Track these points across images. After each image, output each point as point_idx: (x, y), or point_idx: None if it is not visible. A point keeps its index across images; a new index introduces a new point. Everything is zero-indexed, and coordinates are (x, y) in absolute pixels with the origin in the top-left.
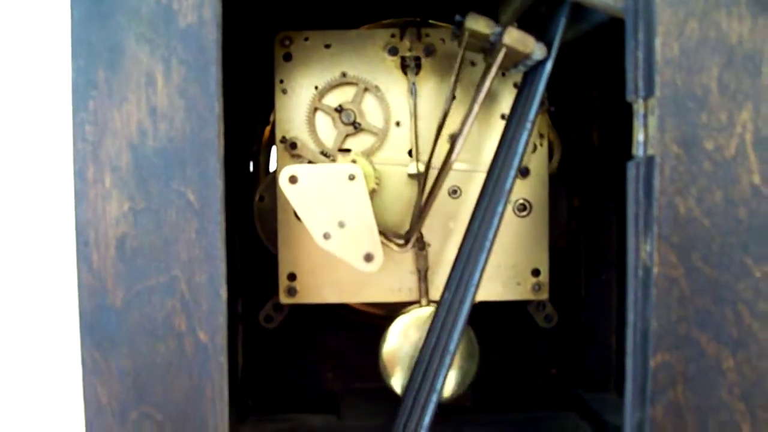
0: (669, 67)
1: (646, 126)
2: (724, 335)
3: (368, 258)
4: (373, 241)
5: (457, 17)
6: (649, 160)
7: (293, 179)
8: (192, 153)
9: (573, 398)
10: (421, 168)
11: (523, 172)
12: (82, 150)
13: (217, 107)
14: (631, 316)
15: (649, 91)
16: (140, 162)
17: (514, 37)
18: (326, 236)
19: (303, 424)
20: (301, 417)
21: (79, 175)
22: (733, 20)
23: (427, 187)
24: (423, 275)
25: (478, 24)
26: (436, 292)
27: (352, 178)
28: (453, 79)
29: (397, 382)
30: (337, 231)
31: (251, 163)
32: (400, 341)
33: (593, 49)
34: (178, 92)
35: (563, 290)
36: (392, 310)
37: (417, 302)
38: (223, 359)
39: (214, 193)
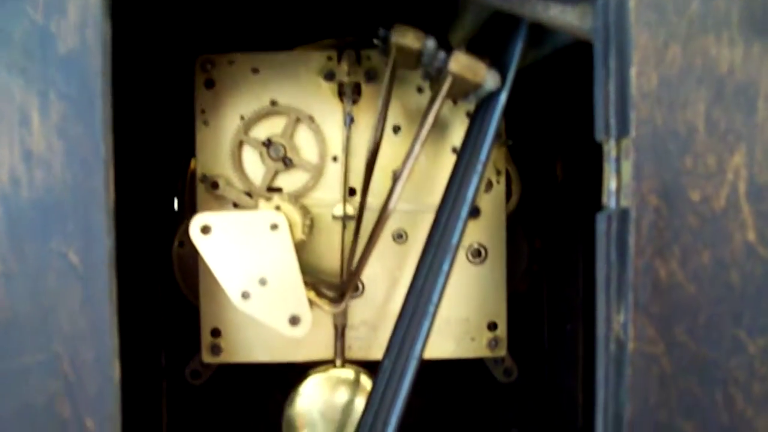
0: (647, 102)
1: (619, 172)
2: (713, 423)
3: (294, 321)
4: (300, 301)
5: (382, 31)
6: (623, 214)
7: (206, 229)
8: (74, 206)
9: None
10: (350, 210)
11: (473, 212)
12: None
13: (103, 150)
14: (601, 398)
15: (623, 131)
16: (13, 217)
17: (462, 64)
18: (245, 295)
19: None
20: None
21: None
22: (723, 46)
23: (366, 230)
24: (340, 332)
25: (405, 38)
26: (377, 351)
27: (274, 227)
28: (381, 102)
29: None
30: (258, 289)
31: (176, 200)
32: (308, 406)
33: (556, 68)
34: (57, 132)
35: (524, 340)
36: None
37: (332, 361)
38: None
39: (100, 254)
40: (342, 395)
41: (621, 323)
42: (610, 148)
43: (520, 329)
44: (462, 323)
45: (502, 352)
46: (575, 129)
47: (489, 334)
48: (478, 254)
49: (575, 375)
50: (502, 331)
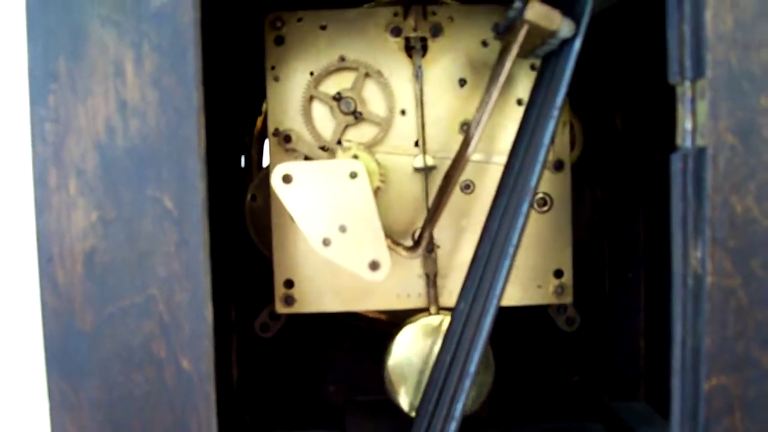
0: (722, 43)
1: (694, 112)
2: None
3: (374, 266)
4: (379, 247)
5: (518, 3)
6: (700, 152)
7: (287, 178)
8: (168, 153)
9: (599, 408)
10: (430, 161)
11: (557, 166)
12: (43, 152)
13: (195, 98)
14: (678, 332)
15: (699, 72)
16: (109, 164)
17: (538, 13)
18: (326, 242)
19: None
20: None
21: (40, 180)
22: None
23: (436, 181)
24: (432, 280)
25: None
26: (447, 299)
27: (353, 175)
28: (500, 80)
29: (405, 398)
30: (338, 236)
31: (242, 158)
32: (407, 354)
33: (614, 19)
34: (150, 83)
35: (586, 290)
36: (399, 317)
37: (426, 310)
38: (210, 389)
39: (194, 198)
40: (438, 342)
41: (698, 258)
42: (684, 90)
43: (582, 278)
44: (529, 271)
45: (568, 298)
46: (634, 80)
47: (555, 282)
48: (544, 203)
49: (637, 323)
50: (567, 278)
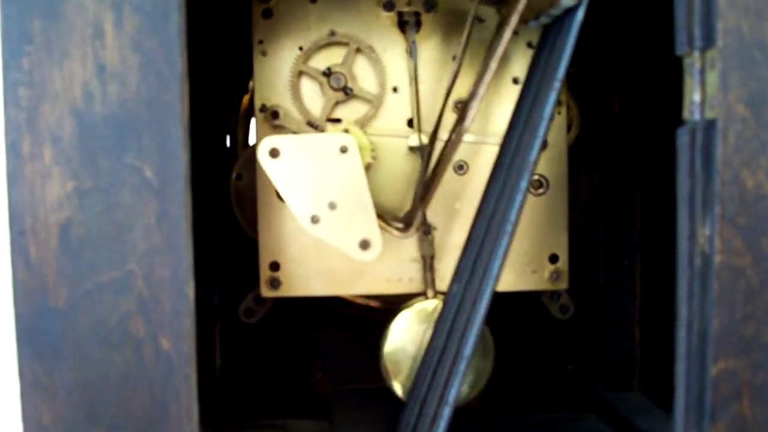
0: (733, 11)
1: (703, 83)
2: None
3: (364, 245)
4: (370, 225)
5: None
6: (709, 125)
7: (274, 152)
8: (149, 120)
9: (593, 398)
10: (424, 139)
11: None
12: (16, 118)
13: (179, 63)
14: (684, 314)
15: (709, 41)
16: (86, 132)
17: None
18: (314, 219)
19: (289, 431)
20: (288, 423)
21: (13, 148)
22: None
23: (430, 161)
24: (429, 263)
25: None
26: (440, 282)
27: (344, 150)
28: (465, 36)
29: (400, 386)
30: (327, 213)
31: (228, 137)
32: (403, 339)
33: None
34: (131, 46)
35: (580, 277)
36: (390, 303)
37: (422, 294)
38: (191, 371)
39: (176, 168)
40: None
41: (707, 236)
42: (693, 61)
43: (577, 265)
44: (523, 256)
45: (563, 284)
46: (634, 61)
47: (550, 267)
48: (539, 185)
49: (632, 311)
50: (563, 263)
